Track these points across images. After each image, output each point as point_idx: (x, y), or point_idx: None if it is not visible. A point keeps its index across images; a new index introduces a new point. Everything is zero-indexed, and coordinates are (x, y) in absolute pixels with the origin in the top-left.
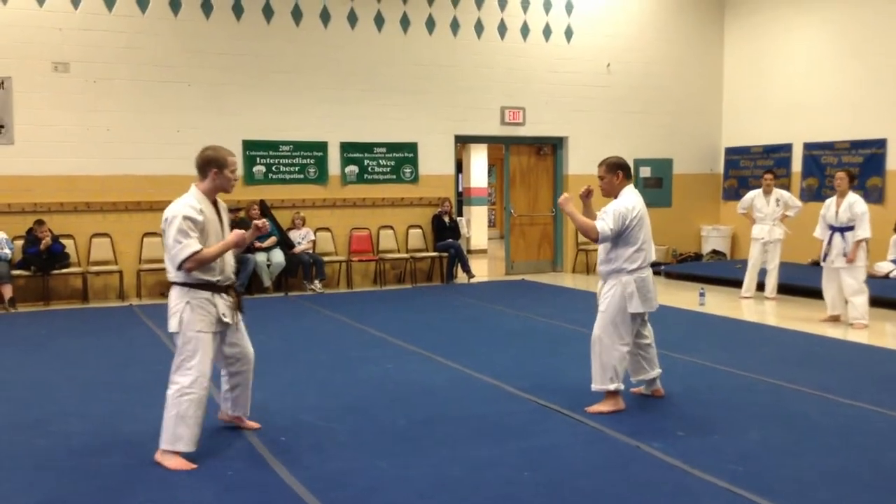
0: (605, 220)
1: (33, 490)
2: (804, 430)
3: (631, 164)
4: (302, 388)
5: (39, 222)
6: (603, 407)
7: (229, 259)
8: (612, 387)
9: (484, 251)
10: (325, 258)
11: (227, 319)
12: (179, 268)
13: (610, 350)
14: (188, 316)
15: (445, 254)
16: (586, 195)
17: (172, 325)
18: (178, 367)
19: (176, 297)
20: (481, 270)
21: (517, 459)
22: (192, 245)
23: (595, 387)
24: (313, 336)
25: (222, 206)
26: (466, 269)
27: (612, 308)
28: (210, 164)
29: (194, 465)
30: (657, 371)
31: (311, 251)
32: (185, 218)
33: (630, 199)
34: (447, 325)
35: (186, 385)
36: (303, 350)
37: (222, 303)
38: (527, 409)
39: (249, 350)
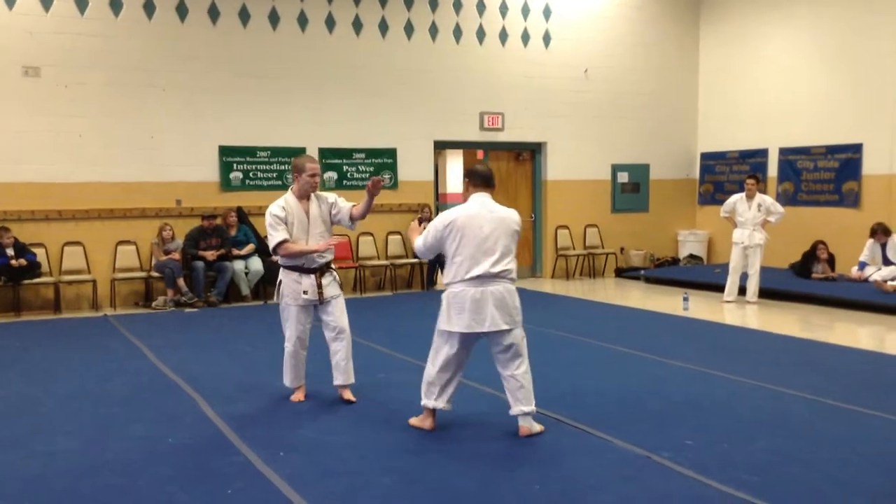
0: (423, 234)
1: None
2: (810, 437)
3: (608, 170)
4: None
5: (4, 229)
6: (414, 420)
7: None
8: (423, 402)
9: None
10: None
11: (308, 296)
12: (273, 253)
13: (428, 366)
14: (281, 290)
15: (425, 260)
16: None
17: (275, 297)
18: (283, 328)
19: (279, 276)
20: None
21: (527, 472)
22: (279, 236)
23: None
24: None
25: (323, 198)
26: None
27: (437, 324)
28: (294, 170)
29: (303, 398)
30: (520, 409)
31: None
32: (272, 214)
33: (453, 210)
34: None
35: (285, 341)
36: None
37: (307, 281)
38: None
39: (342, 322)
